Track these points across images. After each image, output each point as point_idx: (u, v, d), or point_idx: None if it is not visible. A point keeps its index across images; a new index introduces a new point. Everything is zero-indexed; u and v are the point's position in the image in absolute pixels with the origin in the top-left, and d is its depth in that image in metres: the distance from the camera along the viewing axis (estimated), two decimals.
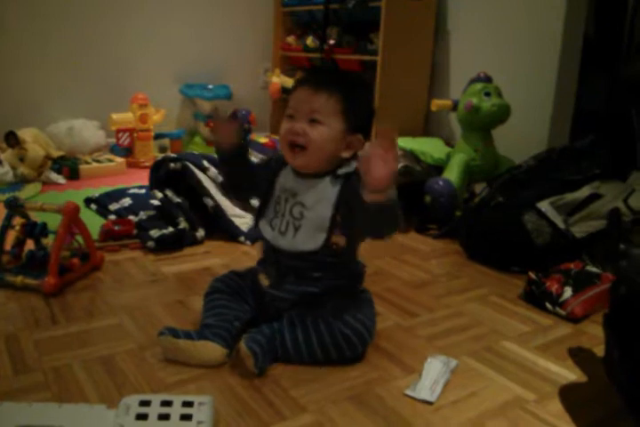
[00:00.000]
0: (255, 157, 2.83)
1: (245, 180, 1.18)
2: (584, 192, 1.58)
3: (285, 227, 1.09)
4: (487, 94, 1.93)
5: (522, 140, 2.20)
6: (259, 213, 1.15)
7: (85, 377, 0.98)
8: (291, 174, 1.11)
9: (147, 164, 2.58)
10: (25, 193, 2.07)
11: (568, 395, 1.00)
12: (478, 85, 1.96)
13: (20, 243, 1.39)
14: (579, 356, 1.13)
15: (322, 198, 1.07)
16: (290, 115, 1.07)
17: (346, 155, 1.07)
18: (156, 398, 0.85)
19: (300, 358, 1.03)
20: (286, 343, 1.03)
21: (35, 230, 1.37)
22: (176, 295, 1.32)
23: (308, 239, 1.07)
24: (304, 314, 1.05)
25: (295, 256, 1.09)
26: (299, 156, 1.06)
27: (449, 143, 2.41)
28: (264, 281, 1.15)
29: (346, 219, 1.05)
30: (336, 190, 1.06)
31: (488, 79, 1.99)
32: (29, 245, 1.40)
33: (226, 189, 1.78)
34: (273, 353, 1.03)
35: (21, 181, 2.19)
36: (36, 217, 1.44)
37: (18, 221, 1.38)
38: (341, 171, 1.07)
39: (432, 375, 1.00)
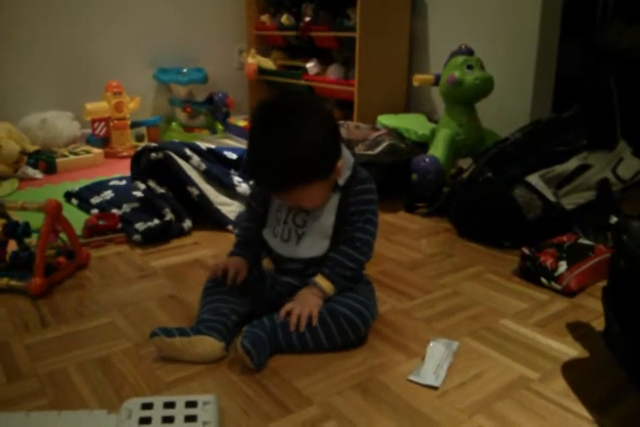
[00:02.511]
0: (235, 142, 2.79)
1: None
2: (572, 164, 1.57)
3: (288, 234, 1.11)
4: (469, 67, 1.90)
5: (504, 112, 2.18)
6: (261, 222, 1.16)
7: (82, 381, 0.96)
8: None
9: (124, 153, 2.53)
10: (2, 190, 2.00)
11: (571, 372, 1.00)
12: (460, 58, 1.93)
13: (2, 244, 1.34)
14: (578, 331, 1.13)
15: (324, 207, 1.08)
16: None
17: (338, 178, 1.07)
18: (158, 401, 0.83)
19: (305, 348, 1.02)
20: (291, 336, 1.01)
21: (17, 230, 1.33)
22: (168, 290, 1.29)
23: (311, 247, 1.09)
24: None
25: (297, 261, 1.11)
26: (305, 208, 1.09)
27: (432, 119, 2.39)
28: (268, 265, 1.15)
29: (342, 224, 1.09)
30: (337, 197, 1.08)
31: (469, 52, 1.96)
32: (12, 245, 1.35)
33: (209, 176, 1.74)
34: (274, 346, 1.01)
35: None
36: (17, 216, 1.40)
37: None
38: (341, 181, 1.08)
39: (435, 359, 0.99)
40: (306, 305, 1.02)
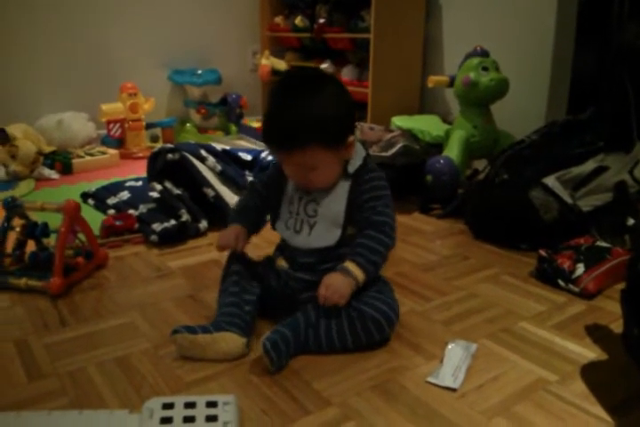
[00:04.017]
0: (249, 143, 2.79)
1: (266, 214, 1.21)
2: (589, 165, 1.56)
3: (300, 225, 1.11)
4: (485, 69, 1.90)
5: (520, 113, 2.17)
6: (274, 215, 1.17)
7: (102, 380, 0.96)
8: None
9: (140, 154, 2.54)
10: (19, 191, 2.03)
11: (590, 374, 0.99)
12: (475, 60, 1.92)
13: (21, 244, 1.36)
14: (596, 333, 1.13)
15: (334, 195, 1.08)
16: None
17: (348, 156, 1.09)
18: (179, 401, 0.84)
19: (331, 348, 1.02)
20: (320, 336, 1.02)
21: (36, 231, 1.34)
22: (185, 290, 1.30)
23: (323, 236, 1.08)
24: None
25: (310, 253, 1.10)
26: (312, 187, 1.09)
27: (446, 120, 2.39)
28: (283, 264, 1.15)
29: (356, 212, 1.08)
30: (347, 185, 1.08)
31: (485, 53, 1.96)
32: (31, 246, 1.37)
33: (225, 177, 1.76)
34: (300, 346, 1.01)
35: (14, 179, 2.15)
36: (35, 216, 1.41)
37: (17, 222, 1.35)
38: (351, 168, 1.08)
39: (454, 361, 0.99)
40: (335, 291, 1.00)
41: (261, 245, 1.46)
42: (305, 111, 1.00)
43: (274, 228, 1.17)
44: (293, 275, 1.12)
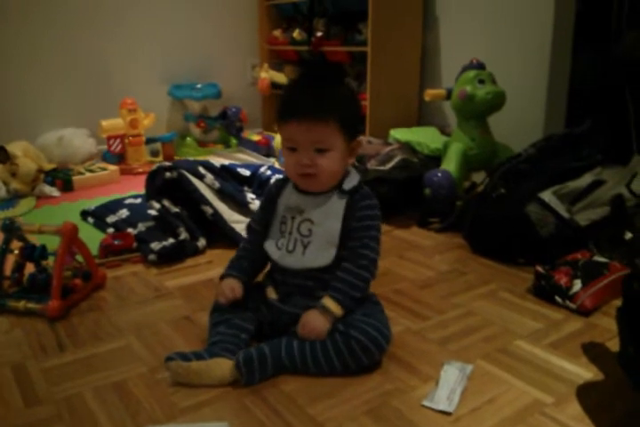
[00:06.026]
0: (250, 156, 2.80)
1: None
2: (586, 179, 1.56)
3: (293, 245, 1.10)
4: (481, 82, 1.90)
5: (517, 125, 2.18)
6: (263, 235, 1.16)
7: (98, 407, 0.97)
8: (294, 193, 1.12)
9: (140, 170, 2.56)
10: (19, 209, 2.04)
11: (586, 395, 0.99)
12: (471, 73, 1.93)
13: (19, 267, 1.37)
14: (592, 352, 1.12)
15: (330, 214, 1.08)
16: (291, 147, 1.06)
17: (351, 161, 1.11)
18: None
19: (319, 371, 1.02)
20: (306, 358, 1.02)
21: (34, 254, 1.35)
22: (183, 311, 1.31)
23: (318, 255, 1.08)
24: None
25: (302, 275, 1.10)
26: (311, 182, 1.08)
27: (444, 132, 2.39)
28: (272, 294, 1.14)
29: (350, 232, 1.08)
30: (343, 205, 1.08)
31: (481, 66, 1.96)
32: (29, 268, 1.38)
33: (223, 194, 1.76)
34: (279, 366, 1.02)
35: (15, 197, 2.16)
36: (33, 238, 1.42)
37: (15, 244, 1.36)
38: (347, 186, 1.09)
39: (449, 384, 0.99)
40: (312, 330, 1.02)
41: None
42: (331, 91, 1.07)
43: (257, 251, 1.17)
44: (284, 309, 1.11)
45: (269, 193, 1.18)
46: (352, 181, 1.10)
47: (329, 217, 1.08)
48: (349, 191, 1.09)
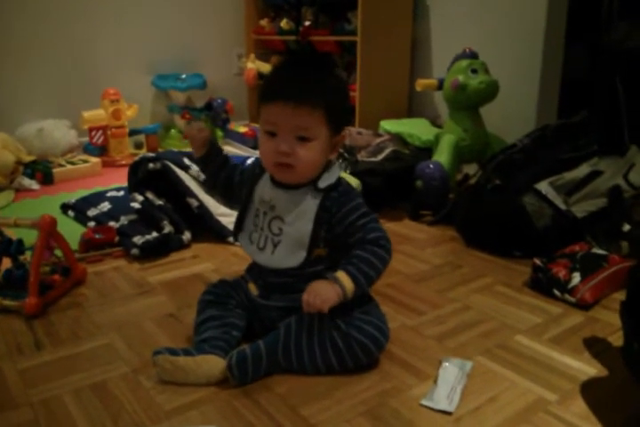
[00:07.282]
0: (235, 148, 2.74)
1: (223, 179, 1.14)
2: (583, 170, 1.52)
3: (264, 242, 1.04)
4: (474, 71, 1.86)
5: (510, 117, 2.14)
6: (237, 226, 1.10)
7: (78, 410, 0.91)
8: (268, 183, 1.05)
9: (123, 162, 2.48)
10: None
11: (590, 392, 0.95)
12: (464, 62, 1.88)
13: None
14: (595, 347, 1.09)
15: (301, 213, 1.01)
16: (270, 131, 0.99)
17: (332, 157, 1.04)
18: None
19: (316, 370, 0.97)
20: (303, 357, 0.97)
21: (10, 248, 1.28)
22: (167, 308, 1.25)
23: (287, 256, 1.02)
24: (311, 323, 0.98)
25: (277, 272, 1.04)
26: (288, 173, 1.00)
27: (435, 123, 2.35)
28: (253, 290, 1.10)
29: (327, 233, 1.01)
30: (316, 204, 1.00)
31: (474, 55, 1.92)
32: (6, 263, 1.31)
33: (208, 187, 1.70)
34: (274, 365, 0.97)
35: None
36: (10, 232, 1.35)
37: None
38: (322, 184, 1.01)
39: (448, 382, 0.95)
40: (317, 295, 0.93)
41: None
42: (321, 78, 1.00)
43: (236, 239, 1.11)
44: (266, 304, 1.06)
45: (252, 172, 1.10)
46: (330, 178, 1.01)
47: (300, 217, 1.01)
48: (324, 189, 1.00)
